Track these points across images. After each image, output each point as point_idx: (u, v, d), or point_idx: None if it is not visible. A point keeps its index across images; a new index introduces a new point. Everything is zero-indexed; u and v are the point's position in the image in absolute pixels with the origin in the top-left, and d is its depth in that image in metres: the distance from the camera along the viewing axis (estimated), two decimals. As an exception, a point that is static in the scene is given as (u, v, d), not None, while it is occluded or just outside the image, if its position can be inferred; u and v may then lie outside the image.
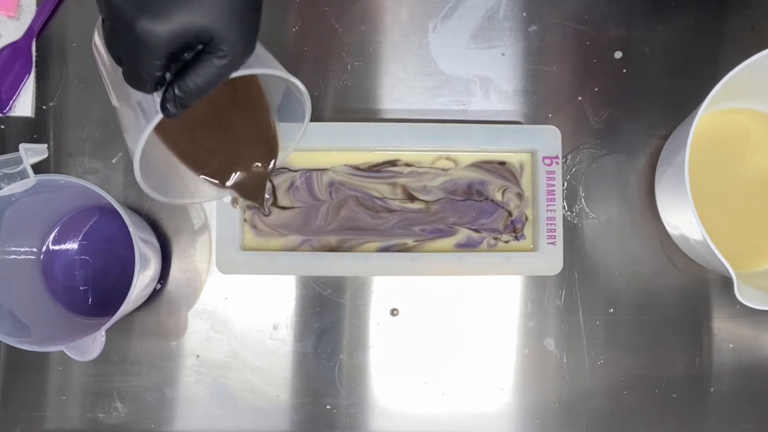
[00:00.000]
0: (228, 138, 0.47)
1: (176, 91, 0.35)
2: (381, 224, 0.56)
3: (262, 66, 0.38)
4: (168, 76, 0.36)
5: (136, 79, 0.35)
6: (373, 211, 0.56)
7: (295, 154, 0.56)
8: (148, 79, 0.35)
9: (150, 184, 0.42)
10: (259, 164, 0.48)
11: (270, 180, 0.55)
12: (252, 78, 0.46)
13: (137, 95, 0.39)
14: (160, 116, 0.37)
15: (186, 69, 0.35)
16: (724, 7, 0.59)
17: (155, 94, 0.37)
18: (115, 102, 0.43)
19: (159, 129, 0.39)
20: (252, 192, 0.48)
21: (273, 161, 0.48)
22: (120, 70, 0.36)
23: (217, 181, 0.48)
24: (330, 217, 0.56)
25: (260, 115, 0.47)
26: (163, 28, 0.33)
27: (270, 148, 0.48)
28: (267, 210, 0.53)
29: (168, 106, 0.36)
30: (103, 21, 0.35)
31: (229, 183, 0.48)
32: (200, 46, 0.34)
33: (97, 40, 0.43)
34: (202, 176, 0.47)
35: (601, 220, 0.57)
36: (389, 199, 0.56)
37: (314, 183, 0.56)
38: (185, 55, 0.35)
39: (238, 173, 0.48)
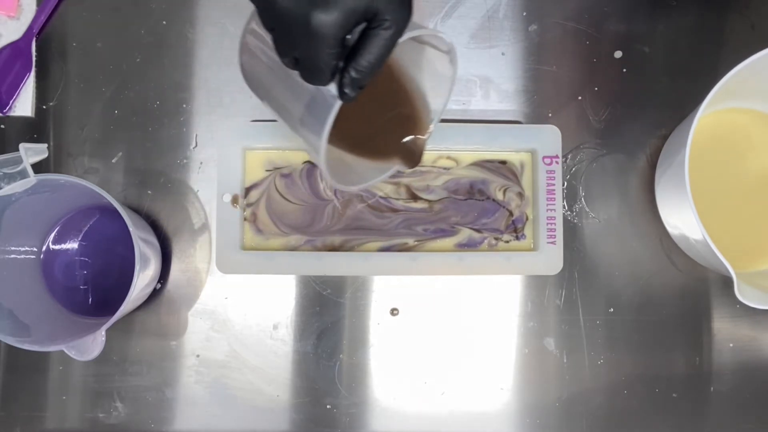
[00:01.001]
0: (378, 113, 0.47)
1: (352, 73, 0.36)
2: (385, 224, 0.56)
3: (410, 29, 0.39)
4: (340, 63, 0.36)
5: (314, 73, 0.36)
6: (378, 211, 0.56)
7: (296, 152, 0.56)
8: (327, 69, 0.36)
9: (334, 177, 0.43)
10: (413, 132, 0.48)
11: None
12: (398, 65, 0.46)
13: (308, 94, 0.40)
14: (339, 103, 0.38)
15: (355, 50, 0.36)
16: (724, 7, 0.59)
17: (330, 85, 0.37)
18: (280, 112, 0.44)
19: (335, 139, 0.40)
20: (413, 158, 0.48)
21: (428, 124, 0.48)
22: (289, 76, 0.37)
23: (379, 158, 0.48)
24: (336, 217, 0.56)
25: (405, 85, 0.47)
26: (335, 15, 0.34)
27: (422, 114, 0.48)
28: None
29: (347, 90, 0.37)
30: (272, 31, 0.36)
31: (390, 156, 0.48)
32: (364, 25, 0.35)
33: (256, 52, 0.44)
34: (366, 158, 0.47)
35: (601, 219, 0.57)
36: (393, 199, 0.56)
37: (318, 181, 0.56)
38: (349, 38, 0.35)
39: (399, 145, 0.48)
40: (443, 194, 0.56)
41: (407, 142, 0.47)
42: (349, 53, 0.36)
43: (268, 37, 0.37)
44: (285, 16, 0.34)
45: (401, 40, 0.37)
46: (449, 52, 0.43)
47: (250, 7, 0.59)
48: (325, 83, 0.37)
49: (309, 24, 0.33)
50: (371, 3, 0.34)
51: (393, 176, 0.55)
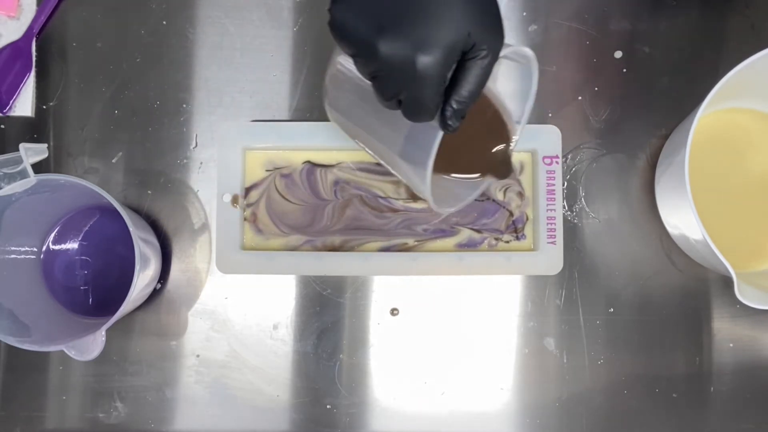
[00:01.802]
0: (471, 133, 0.47)
1: (454, 105, 0.36)
2: (385, 224, 0.56)
3: None
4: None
5: (420, 112, 0.36)
6: (377, 211, 0.56)
7: (296, 152, 0.56)
8: (433, 107, 0.36)
9: (438, 204, 0.44)
10: (501, 145, 0.48)
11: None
12: None
13: (405, 127, 0.40)
14: (440, 135, 0.38)
15: (455, 82, 0.36)
16: (724, 7, 0.59)
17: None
18: (374, 143, 0.45)
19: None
20: (505, 169, 0.48)
21: (513, 133, 0.48)
22: (383, 115, 0.38)
23: (473, 176, 0.48)
24: (336, 217, 0.56)
25: (489, 100, 0.48)
26: (438, 55, 0.34)
27: (504, 124, 0.48)
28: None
29: (450, 123, 0.37)
30: (373, 78, 0.36)
31: (483, 171, 0.48)
32: (460, 57, 0.36)
33: (345, 88, 0.45)
34: (459, 176, 0.48)
35: (601, 219, 0.57)
36: (393, 199, 0.56)
37: (318, 181, 0.56)
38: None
39: (488, 157, 0.48)
40: None
41: (496, 152, 0.48)
42: (449, 85, 0.36)
43: (354, 71, 0.37)
44: (389, 64, 0.34)
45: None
46: (531, 61, 0.43)
47: (251, 7, 0.59)
48: (431, 119, 0.37)
49: (415, 68, 0.34)
50: (468, 36, 0.34)
51: (393, 175, 0.56)
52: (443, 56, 0.34)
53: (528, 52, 0.42)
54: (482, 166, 0.48)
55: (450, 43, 0.34)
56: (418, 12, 0.34)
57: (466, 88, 0.36)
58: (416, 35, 0.34)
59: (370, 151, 0.47)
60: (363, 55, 0.36)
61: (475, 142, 0.48)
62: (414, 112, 0.37)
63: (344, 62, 0.44)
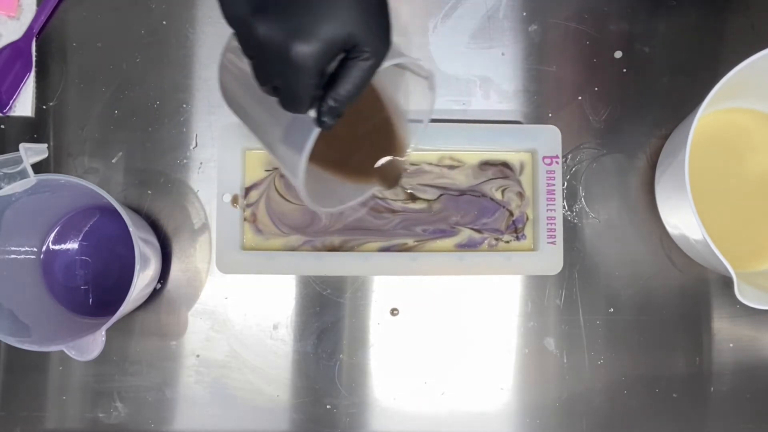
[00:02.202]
0: (358, 135, 0.47)
1: (330, 102, 0.36)
2: (384, 224, 0.56)
3: (390, 56, 0.39)
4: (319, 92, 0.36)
5: (294, 102, 0.36)
6: (376, 212, 0.56)
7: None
8: (306, 99, 0.36)
9: (312, 199, 0.43)
10: (393, 153, 0.48)
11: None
12: (380, 88, 0.47)
13: (286, 120, 0.40)
14: (317, 131, 0.38)
15: (334, 79, 0.36)
16: (724, 7, 0.59)
17: (309, 111, 0.38)
18: (259, 133, 0.44)
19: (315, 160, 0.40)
20: (392, 179, 0.48)
21: (406, 146, 0.48)
22: (265, 101, 0.37)
23: (358, 179, 0.48)
24: (335, 217, 0.56)
25: (384, 106, 0.47)
26: (316, 46, 0.33)
27: (400, 135, 0.48)
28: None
29: (325, 119, 0.37)
30: (251, 58, 0.36)
31: (370, 177, 0.48)
32: (343, 54, 0.35)
33: (234, 75, 0.44)
34: (344, 179, 0.47)
35: (601, 219, 0.57)
36: (391, 200, 0.56)
37: None
38: (329, 67, 0.36)
39: (376, 167, 0.48)
40: (439, 192, 0.56)
41: (385, 163, 0.47)
42: (328, 82, 0.36)
43: (247, 60, 0.37)
44: (264, 46, 0.34)
45: (381, 68, 0.37)
46: (428, 78, 0.43)
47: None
48: (304, 111, 0.37)
49: (289, 55, 0.33)
50: (351, 34, 0.34)
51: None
52: (320, 49, 0.33)
53: (424, 65, 0.42)
54: (369, 173, 0.47)
55: (329, 37, 0.33)
56: (302, 0, 0.33)
57: (343, 87, 0.35)
58: (295, 23, 0.33)
59: (257, 137, 0.45)
60: (241, 33, 0.35)
61: (368, 149, 0.47)
62: (287, 100, 0.36)
63: (235, 43, 0.43)
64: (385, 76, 0.45)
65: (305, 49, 0.33)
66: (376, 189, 0.48)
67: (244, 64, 0.40)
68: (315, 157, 0.41)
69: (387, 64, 0.37)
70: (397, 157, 0.47)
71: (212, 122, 0.58)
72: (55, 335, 0.51)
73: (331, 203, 0.47)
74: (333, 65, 0.35)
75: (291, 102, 0.36)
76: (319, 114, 0.37)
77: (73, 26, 0.58)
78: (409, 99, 0.47)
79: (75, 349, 0.46)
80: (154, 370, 0.56)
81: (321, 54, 0.34)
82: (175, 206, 0.57)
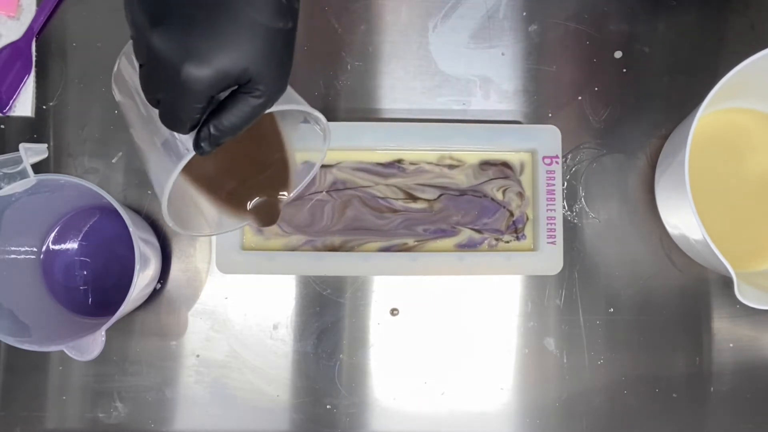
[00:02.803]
0: (244, 168, 0.46)
1: (211, 130, 0.35)
2: (386, 224, 0.56)
3: (286, 101, 0.38)
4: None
5: (174, 121, 0.35)
6: (377, 212, 0.56)
7: (296, 153, 0.56)
8: (187, 121, 0.35)
9: (174, 220, 0.42)
10: (275, 193, 0.47)
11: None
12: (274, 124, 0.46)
13: (164, 134, 0.39)
14: (191, 154, 0.37)
15: (221, 108, 0.35)
16: (724, 7, 0.59)
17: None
18: (137, 139, 0.43)
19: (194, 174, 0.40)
20: (267, 219, 0.47)
21: (288, 190, 0.48)
22: (149, 110, 0.36)
23: (234, 210, 0.47)
24: (336, 217, 0.56)
25: (274, 145, 0.47)
26: (207, 72, 0.33)
27: (285, 177, 0.48)
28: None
29: (203, 144, 0.36)
30: (141, 67, 0.35)
31: (245, 211, 0.47)
32: (235, 86, 0.35)
33: (126, 76, 0.43)
34: (220, 207, 0.47)
35: (601, 219, 0.57)
36: (392, 199, 0.56)
37: (316, 179, 0.56)
38: (220, 95, 0.35)
39: (254, 202, 0.47)
40: (439, 192, 0.56)
41: (264, 200, 0.47)
42: (215, 108, 0.35)
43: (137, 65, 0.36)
44: (156, 58, 0.33)
45: (272, 110, 0.36)
46: (324, 130, 0.43)
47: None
48: (184, 132, 0.36)
49: (179, 74, 0.32)
50: (246, 70, 0.33)
51: (386, 177, 0.56)
52: (212, 76, 0.33)
53: (320, 117, 0.41)
54: (246, 207, 0.47)
55: (223, 67, 0.33)
56: (206, 23, 0.32)
57: (227, 119, 0.35)
58: (192, 44, 0.32)
59: (137, 141, 0.44)
60: (137, 39, 0.34)
61: (250, 182, 0.47)
62: (167, 118, 0.35)
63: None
64: (286, 112, 0.44)
65: (196, 73, 0.32)
66: (250, 222, 0.47)
67: (135, 69, 0.38)
68: (195, 175, 0.41)
69: (278, 108, 0.37)
70: (279, 197, 0.47)
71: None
72: (55, 335, 0.51)
73: (196, 227, 0.46)
74: (223, 94, 0.35)
75: (171, 120, 0.35)
76: (198, 138, 0.36)
77: (73, 26, 0.58)
78: (305, 140, 0.46)
79: (75, 349, 0.46)
80: (154, 370, 0.56)
81: (212, 81, 0.33)
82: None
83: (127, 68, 0.43)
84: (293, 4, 0.34)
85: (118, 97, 0.45)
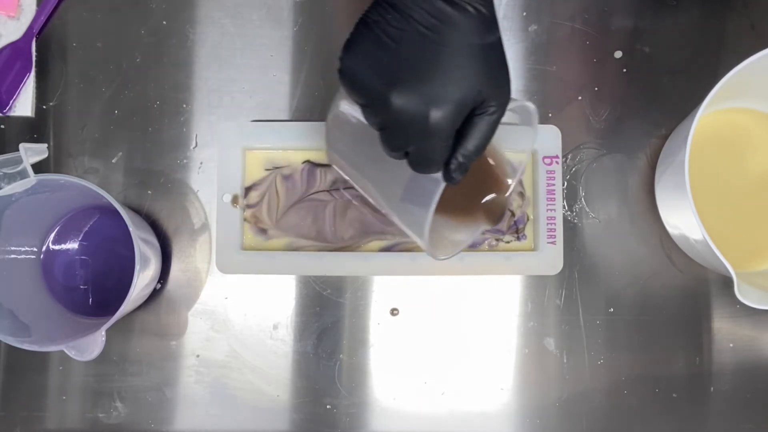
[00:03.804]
0: (469, 183, 0.48)
1: (459, 159, 0.37)
2: (387, 224, 0.56)
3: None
4: None
5: (428, 164, 0.37)
6: (379, 213, 0.56)
7: (296, 152, 0.56)
8: (440, 159, 0.37)
9: (435, 251, 0.45)
10: (495, 190, 0.49)
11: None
12: None
13: (404, 178, 0.41)
14: (443, 185, 0.39)
15: (463, 135, 0.36)
16: (724, 6, 0.59)
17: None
18: (376, 193, 0.45)
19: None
20: (496, 216, 0.49)
21: (508, 183, 0.49)
22: (382, 162, 0.39)
23: (466, 220, 0.49)
24: (338, 219, 0.56)
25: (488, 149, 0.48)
26: (449, 110, 0.34)
27: (500, 172, 0.49)
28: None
29: (454, 175, 0.37)
30: (382, 129, 0.36)
31: (476, 216, 0.48)
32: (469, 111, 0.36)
33: (334, 142, 0.46)
34: (452, 220, 0.48)
35: (601, 219, 0.57)
36: None
37: (318, 180, 0.56)
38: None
39: (480, 204, 0.49)
40: None
41: (488, 200, 0.48)
42: (456, 139, 0.36)
43: (357, 116, 0.38)
44: (400, 116, 0.34)
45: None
46: (533, 115, 0.44)
47: (251, 7, 0.59)
48: (436, 171, 0.37)
49: (427, 122, 0.34)
50: (480, 92, 0.35)
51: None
52: (454, 112, 0.34)
53: (531, 107, 0.42)
54: (475, 212, 0.48)
55: (462, 99, 0.34)
56: (433, 67, 0.34)
57: (472, 143, 0.36)
58: (429, 90, 0.34)
59: (367, 196, 0.47)
60: (373, 106, 0.36)
61: (472, 189, 0.48)
62: (422, 164, 0.37)
63: (347, 106, 0.44)
64: None
65: (441, 115, 0.34)
66: (482, 225, 0.49)
67: (356, 126, 0.41)
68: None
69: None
70: (500, 194, 0.48)
71: (212, 122, 0.58)
72: (55, 335, 0.51)
73: (448, 251, 0.48)
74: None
75: (424, 164, 0.37)
76: (448, 171, 0.37)
77: (73, 26, 0.58)
78: (506, 134, 0.47)
79: (75, 349, 0.46)
80: (154, 370, 0.56)
81: (455, 116, 0.34)
82: (175, 206, 0.57)
83: (345, 125, 0.44)
84: (493, 12, 0.36)
85: (335, 158, 0.47)
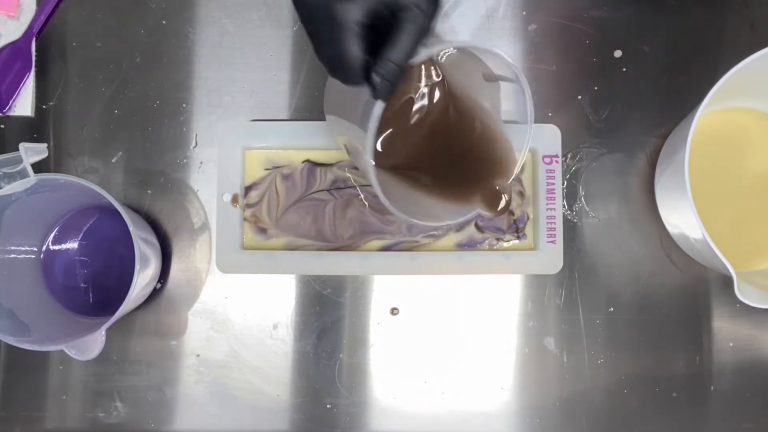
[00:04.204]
0: (459, 156, 0.47)
1: (379, 67, 0.36)
2: (386, 224, 0.56)
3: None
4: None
5: (344, 69, 0.37)
6: (379, 213, 0.56)
7: (296, 152, 0.56)
8: (353, 61, 0.36)
9: (390, 200, 0.43)
10: (499, 175, 0.48)
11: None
12: (472, 101, 0.47)
13: (359, 114, 0.41)
14: (379, 104, 0.38)
15: (383, 45, 0.36)
16: (724, 6, 0.59)
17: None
18: (350, 137, 0.46)
19: (402, 174, 0.42)
20: (496, 203, 0.47)
21: (512, 169, 0.48)
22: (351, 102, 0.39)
23: (460, 203, 0.48)
24: (338, 218, 0.56)
25: (485, 125, 0.48)
26: (356, 1, 0.35)
27: (506, 158, 0.48)
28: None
29: (377, 86, 0.37)
30: (310, 35, 0.37)
31: (473, 200, 0.47)
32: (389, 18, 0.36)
33: (329, 98, 0.47)
34: (446, 199, 0.47)
35: (601, 219, 0.57)
36: None
37: (318, 180, 0.56)
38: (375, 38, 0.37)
39: (481, 189, 0.47)
40: None
41: (491, 186, 0.47)
42: (378, 50, 0.37)
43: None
44: (314, 12, 0.36)
45: (453, 47, 0.37)
46: (516, 76, 0.43)
47: (251, 7, 0.59)
48: (358, 80, 0.37)
49: (332, 12, 0.35)
50: None
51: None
52: (361, 3, 0.35)
53: (503, 54, 0.42)
54: (473, 196, 0.47)
55: None
56: None
57: (390, 48, 0.36)
58: None
59: (359, 146, 0.46)
60: (300, 10, 0.37)
61: (472, 171, 0.47)
62: (336, 66, 0.37)
63: None
64: (485, 94, 0.46)
65: (346, 4, 0.35)
66: (479, 210, 0.47)
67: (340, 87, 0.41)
68: (417, 176, 0.41)
69: (459, 44, 0.38)
70: (504, 180, 0.47)
71: (212, 122, 0.58)
72: (55, 335, 0.51)
73: (420, 215, 0.46)
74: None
75: (342, 69, 0.37)
76: (371, 80, 0.37)
77: (73, 26, 0.58)
78: (508, 114, 0.47)
79: (75, 348, 0.46)
80: (154, 370, 0.56)
81: (361, 8, 0.35)
82: (175, 206, 0.57)
83: (335, 90, 0.45)
84: None
85: (328, 119, 0.48)
